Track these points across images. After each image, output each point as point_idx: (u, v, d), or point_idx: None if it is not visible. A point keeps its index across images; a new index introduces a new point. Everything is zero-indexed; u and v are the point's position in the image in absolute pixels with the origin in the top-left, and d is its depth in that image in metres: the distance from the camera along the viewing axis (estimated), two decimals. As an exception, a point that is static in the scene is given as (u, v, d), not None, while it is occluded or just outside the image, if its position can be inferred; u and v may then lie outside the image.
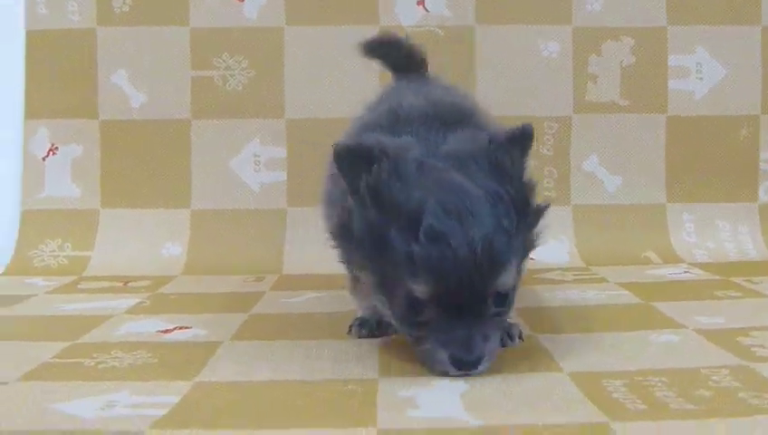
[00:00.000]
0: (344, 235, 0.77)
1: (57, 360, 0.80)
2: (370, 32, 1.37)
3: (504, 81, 1.39)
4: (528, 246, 0.78)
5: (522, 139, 0.77)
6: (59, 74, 1.39)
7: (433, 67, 1.34)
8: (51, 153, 1.39)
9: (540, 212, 0.78)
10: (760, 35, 1.39)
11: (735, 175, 1.41)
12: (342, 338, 0.87)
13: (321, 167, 1.37)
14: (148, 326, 0.94)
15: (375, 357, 0.79)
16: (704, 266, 1.28)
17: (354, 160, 0.74)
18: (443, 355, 0.72)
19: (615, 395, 0.66)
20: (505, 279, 0.72)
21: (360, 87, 1.38)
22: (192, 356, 0.80)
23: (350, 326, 0.89)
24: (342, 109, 1.37)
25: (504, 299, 0.73)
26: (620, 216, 1.39)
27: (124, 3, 1.38)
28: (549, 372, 0.73)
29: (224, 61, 1.38)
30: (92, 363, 0.78)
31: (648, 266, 1.31)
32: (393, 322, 0.77)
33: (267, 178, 1.40)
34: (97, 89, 1.39)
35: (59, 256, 1.35)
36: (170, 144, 1.39)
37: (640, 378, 0.70)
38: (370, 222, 0.73)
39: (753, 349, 0.79)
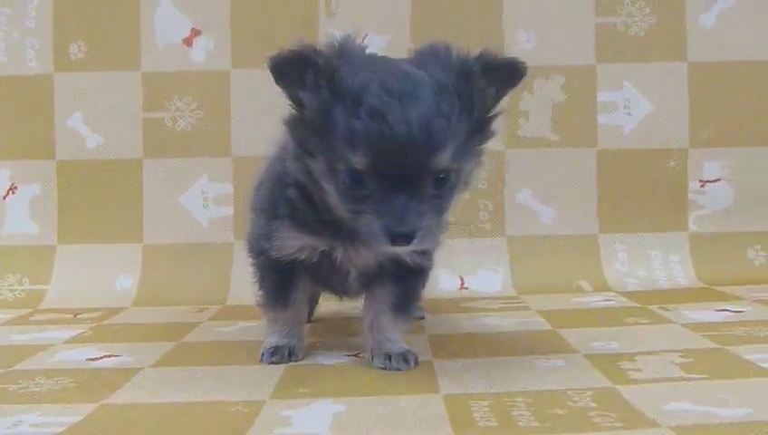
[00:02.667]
0: (295, 127, 0.83)
1: (-16, 388, 0.86)
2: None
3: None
4: (474, 151, 0.83)
5: (505, 69, 0.82)
6: (18, 117, 1.46)
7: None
8: (11, 192, 1.46)
9: (490, 118, 0.83)
10: (686, 71, 1.46)
11: (665, 206, 1.46)
12: (254, 364, 0.93)
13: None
14: (79, 355, 1.00)
15: (274, 381, 0.85)
16: (629, 295, 1.34)
17: (292, 66, 0.79)
18: (377, 226, 0.77)
19: (475, 414, 0.72)
20: (441, 159, 0.76)
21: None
22: (109, 381, 0.86)
23: (262, 353, 0.94)
24: (287, 147, 1.45)
25: (443, 183, 0.79)
26: (554, 246, 1.45)
27: (80, 50, 1.46)
28: (425, 394, 0.78)
29: (174, 103, 1.46)
30: (15, 388, 0.84)
31: (576, 295, 1.36)
32: (335, 204, 0.81)
33: (215, 214, 1.46)
34: (54, 131, 1.46)
35: (16, 289, 1.41)
36: (123, 182, 1.46)
37: (507, 399, 0.76)
38: (319, 106, 0.78)
39: (628, 372, 0.85)
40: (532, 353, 0.94)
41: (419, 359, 0.91)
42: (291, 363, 0.92)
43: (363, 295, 0.98)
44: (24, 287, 1.42)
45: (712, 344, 0.96)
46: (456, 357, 0.94)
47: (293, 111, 0.83)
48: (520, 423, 0.69)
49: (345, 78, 0.77)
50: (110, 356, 0.99)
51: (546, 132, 1.46)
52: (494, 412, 0.72)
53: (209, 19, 1.46)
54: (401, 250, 0.82)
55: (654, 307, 1.21)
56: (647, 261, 1.45)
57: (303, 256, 0.91)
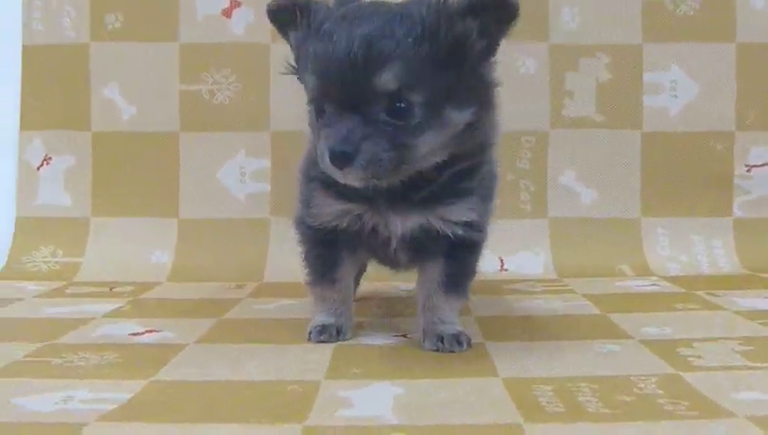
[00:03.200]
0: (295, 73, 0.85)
1: (28, 359, 0.84)
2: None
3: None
4: (462, 87, 0.79)
5: (495, 7, 0.77)
6: (53, 88, 1.44)
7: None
8: (45, 163, 1.44)
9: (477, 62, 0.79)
10: (734, 53, 1.42)
11: (710, 190, 1.43)
12: (301, 342, 0.91)
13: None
14: (121, 329, 0.98)
15: (326, 361, 0.83)
16: (673, 280, 1.31)
17: (284, 12, 0.84)
18: (322, 148, 0.78)
19: (540, 399, 0.70)
20: (383, 78, 0.75)
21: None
22: (155, 357, 0.85)
23: (310, 332, 0.93)
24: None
25: (400, 112, 0.76)
26: (596, 229, 1.42)
27: (116, 19, 1.43)
28: (484, 377, 0.77)
29: (211, 75, 1.43)
30: (60, 362, 0.83)
31: (619, 279, 1.34)
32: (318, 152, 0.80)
33: (252, 189, 1.44)
34: (90, 102, 1.44)
35: (50, 261, 1.40)
36: (159, 155, 1.44)
37: (570, 384, 0.74)
38: (296, 43, 0.83)
39: (689, 359, 0.82)
40: (586, 338, 0.92)
41: (471, 341, 0.89)
42: (339, 343, 0.91)
43: (416, 269, 0.95)
44: (57, 259, 1.40)
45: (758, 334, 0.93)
46: (508, 340, 0.92)
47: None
48: (589, 409, 0.67)
49: (318, 12, 0.81)
50: (151, 331, 0.97)
51: (591, 112, 1.42)
52: (560, 397, 0.70)
53: (250, -10, 1.43)
54: (345, 175, 0.78)
55: (701, 293, 1.19)
56: (689, 246, 1.42)
57: (340, 224, 0.89)
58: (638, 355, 0.84)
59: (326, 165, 0.78)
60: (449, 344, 0.87)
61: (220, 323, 1.02)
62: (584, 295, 1.19)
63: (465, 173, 0.86)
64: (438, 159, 0.82)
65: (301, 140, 1.40)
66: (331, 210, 0.89)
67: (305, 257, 0.96)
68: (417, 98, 0.77)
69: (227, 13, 1.43)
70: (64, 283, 1.34)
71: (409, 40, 0.76)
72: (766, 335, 0.92)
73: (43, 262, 1.40)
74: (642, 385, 0.73)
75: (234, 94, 1.43)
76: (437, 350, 0.87)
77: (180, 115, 1.44)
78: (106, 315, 1.07)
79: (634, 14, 1.42)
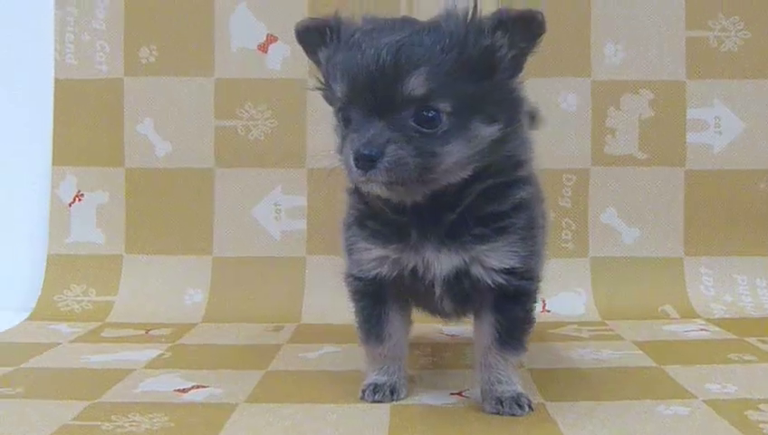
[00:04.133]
0: (323, 92, 0.86)
1: (76, 423, 0.81)
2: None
3: (524, 133, 1.40)
4: (490, 102, 0.79)
5: (523, 23, 0.78)
6: (86, 123, 1.42)
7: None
8: (77, 199, 1.42)
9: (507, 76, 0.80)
10: (774, 92, 1.40)
11: (754, 228, 1.40)
12: (354, 401, 0.89)
13: (340, 214, 1.41)
14: (165, 384, 0.96)
15: (385, 426, 0.81)
16: (720, 323, 1.28)
17: (311, 33, 0.85)
18: (348, 153, 0.77)
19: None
20: (411, 83, 0.75)
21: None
22: (207, 421, 0.82)
23: (363, 391, 0.90)
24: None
25: (428, 120, 0.76)
26: (638, 268, 1.39)
27: (150, 53, 1.41)
28: (556, 451, 0.74)
29: (246, 111, 1.41)
30: (110, 428, 0.80)
31: (665, 322, 1.31)
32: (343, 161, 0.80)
33: (288, 227, 1.42)
34: (123, 137, 1.42)
35: (83, 300, 1.38)
36: (193, 192, 1.41)
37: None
38: (326, 58, 0.83)
39: (761, 426, 0.79)
40: (649, 397, 0.89)
41: (532, 402, 0.86)
42: (394, 403, 0.88)
43: (468, 316, 0.94)
44: (90, 299, 1.38)
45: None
46: (567, 399, 0.89)
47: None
48: (675, 493, 0.64)
49: (348, 27, 0.82)
50: (197, 387, 0.95)
51: (633, 150, 1.40)
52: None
53: (286, 25, 1.37)
54: (369, 180, 0.77)
55: (752, 339, 1.16)
56: (732, 286, 1.39)
57: (381, 271, 0.87)
58: (706, 421, 0.82)
59: (351, 170, 0.77)
60: (509, 408, 0.84)
61: (266, 378, 0.99)
62: (634, 343, 1.16)
63: (495, 193, 0.83)
64: (464, 173, 0.80)
65: (338, 178, 1.40)
66: (369, 256, 0.87)
67: (355, 314, 0.94)
68: (444, 106, 0.77)
69: (263, 48, 1.41)
70: (98, 323, 1.31)
71: (437, 48, 0.76)
72: (833, 396, 0.90)
73: (75, 301, 1.37)
74: (723, 461, 0.71)
75: (269, 130, 1.41)
76: (498, 413, 0.84)
77: (215, 151, 1.41)
78: (147, 366, 1.05)
79: (678, 50, 1.40)
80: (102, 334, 1.25)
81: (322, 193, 1.40)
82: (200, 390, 0.94)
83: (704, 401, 0.87)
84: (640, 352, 1.11)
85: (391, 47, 0.76)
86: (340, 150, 0.82)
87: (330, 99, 0.85)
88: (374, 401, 0.88)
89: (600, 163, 1.40)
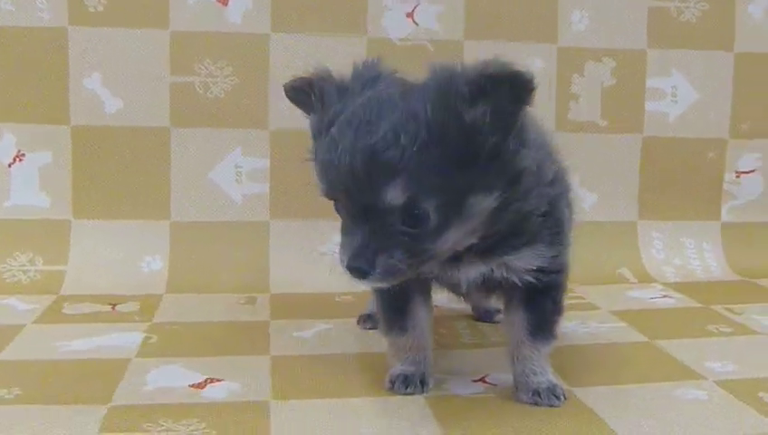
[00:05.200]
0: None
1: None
2: (358, 43, 1.35)
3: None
4: (481, 179, 0.73)
5: (507, 82, 0.70)
6: (26, 76, 1.29)
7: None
8: (17, 159, 1.30)
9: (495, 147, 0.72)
10: (732, 61, 1.45)
11: (702, 195, 1.47)
12: (383, 393, 0.87)
13: (306, 178, 1.36)
14: (175, 378, 0.90)
15: (430, 416, 0.80)
16: (677, 288, 1.35)
17: (299, 92, 0.82)
18: (340, 256, 0.75)
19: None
20: (391, 193, 0.70)
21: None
22: (247, 425, 0.78)
23: (392, 382, 0.88)
24: (327, 120, 1.35)
25: (418, 220, 0.72)
26: (595, 232, 1.43)
27: (99, 2, 1.29)
28: (610, 442, 0.75)
29: (205, 67, 1.32)
30: (148, 440, 0.75)
31: (626, 287, 1.36)
32: None
33: (249, 190, 1.35)
34: (68, 92, 1.30)
35: (30, 270, 1.27)
36: (148, 153, 1.32)
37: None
38: (313, 135, 0.80)
39: (780, 409, 0.84)
40: (663, 380, 0.92)
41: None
42: (426, 395, 0.87)
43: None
44: (38, 268, 1.27)
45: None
46: (588, 384, 0.90)
47: None
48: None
49: (329, 108, 0.77)
50: (211, 381, 0.90)
51: (595, 117, 1.42)
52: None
53: (248, -24, 1.32)
54: (367, 284, 0.78)
55: (718, 308, 1.22)
56: (681, 250, 1.46)
57: None
58: (727, 405, 0.85)
59: (345, 274, 0.75)
60: (547, 399, 0.84)
61: (277, 366, 0.95)
62: (611, 313, 1.19)
63: (518, 221, 0.80)
64: (470, 242, 0.78)
65: (302, 139, 1.34)
66: None
67: (377, 305, 0.92)
68: (430, 203, 0.72)
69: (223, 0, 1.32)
70: (53, 296, 1.22)
71: (415, 148, 0.70)
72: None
73: (22, 271, 1.27)
74: (772, 453, 0.75)
75: (230, 88, 1.33)
76: (536, 404, 0.84)
77: (171, 109, 1.32)
78: (140, 354, 0.98)
79: (640, 19, 1.42)
80: (64, 311, 1.16)
81: (286, 155, 1.35)
82: (216, 384, 0.89)
83: (714, 383, 0.91)
84: (623, 323, 1.14)
85: (365, 155, 0.70)
86: None
87: None
88: (405, 394, 0.87)
89: (564, 129, 1.41)
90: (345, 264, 0.74)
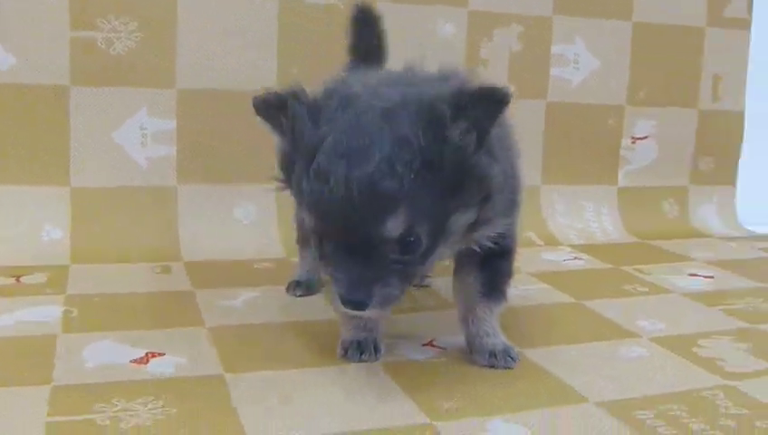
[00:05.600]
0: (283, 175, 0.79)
1: (62, 418, 0.69)
2: (270, 5, 1.30)
3: (399, 58, 1.37)
4: (465, 198, 0.73)
5: (485, 99, 0.70)
6: None
7: (333, 41, 1.31)
8: None
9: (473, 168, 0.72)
10: (630, 31, 1.50)
11: (601, 160, 1.53)
12: (337, 361, 0.85)
13: (215, 140, 1.31)
14: (113, 354, 0.84)
15: (390, 382, 0.80)
16: (583, 249, 1.39)
17: (270, 109, 0.75)
18: (333, 291, 0.73)
19: (660, 430, 0.71)
20: (391, 225, 0.69)
21: (258, 57, 1.31)
22: (207, 400, 0.74)
23: (345, 349, 0.86)
24: (238, 81, 1.30)
25: (409, 247, 0.72)
26: (502, 197, 1.45)
27: (-12, -55, 1.17)
28: (577, 405, 0.77)
29: (108, 22, 1.22)
30: (107, 422, 0.69)
31: (536, 249, 1.39)
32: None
33: (155, 153, 1.28)
34: (-47, 45, 1.17)
35: None
36: (45, 112, 1.21)
37: (662, 407, 0.76)
38: (287, 159, 0.76)
39: (718, 364, 0.88)
40: (603, 339, 0.95)
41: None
42: (383, 361, 0.85)
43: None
44: (-76, 238, 1.16)
45: (743, 324, 1.03)
46: (538, 345, 0.92)
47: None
48: (724, 446, 0.70)
49: (304, 132, 0.72)
50: (153, 355, 0.85)
51: (503, 82, 1.43)
52: (674, 425, 0.72)
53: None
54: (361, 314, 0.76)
55: (628, 269, 1.28)
56: (581, 213, 1.51)
57: None
58: (666, 361, 0.89)
59: (338, 307, 0.74)
60: (503, 361, 0.86)
61: (216, 338, 0.90)
62: (530, 274, 1.22)
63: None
64: (448, 253, 0.81)
65: (212, 99, 1.28)
66: None
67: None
68: (423, 229, 0.72)
69: (127, -52, 1.23)
70: (-57, 267, 1.11)
71: (411, 176, 0.69)
72: (740, 327, 1.02)
73: None
74: (721, 402, 0.78)
75: (134, 45, 1.24)
76: (493, 366, 0.85)
77: (71, 66, 1.22)
78: (66, 329, 0.91)
79: (547, -16, 1.45)
80: (-38, 283, 1.06)
81: (193, 115, 1.28)
82: (159, 359, 0.84)
83: (650, 340, 0.95)
84: (545, 284, 1.18)
85: (362, 186, 0.67)
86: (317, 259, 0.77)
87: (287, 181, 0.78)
88: (360, 361, 0.85)
89: (474, 94, 1.42)
90: (341, 297, 0.71)
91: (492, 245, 0.84)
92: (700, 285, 1.21)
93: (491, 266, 0.87)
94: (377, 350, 0.87)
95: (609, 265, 1.30)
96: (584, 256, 1.36)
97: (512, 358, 0.86)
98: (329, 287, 1.06)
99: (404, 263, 0.72)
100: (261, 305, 1.04)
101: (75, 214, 1.23)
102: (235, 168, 1.31)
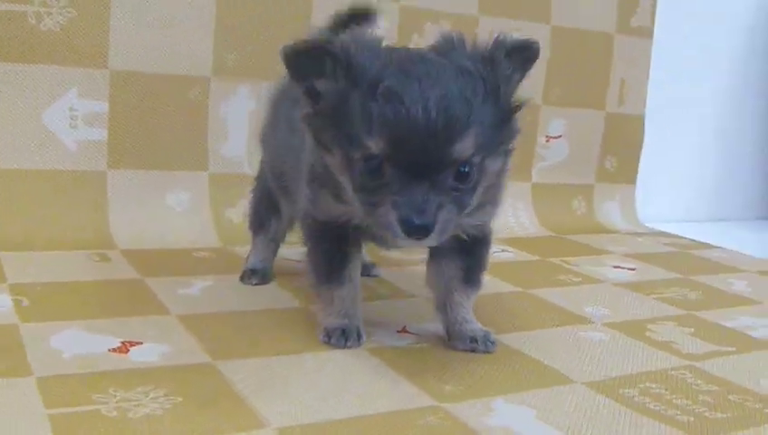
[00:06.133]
0: (311, 121, 0.78)
1: (63, 410, 0.65)
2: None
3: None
4: (502, 149, 0.79)
5: (522, 50, 0.78)
6: None
7: (270, 28, 1.31)
8: None
9: (516, 108, 0.79)
10: (549, 33, 1.57)
11: (517, 157, 1.56)
12: (320, 347, 0.85)
13: (148, 125, 1.26)
14: (87, 344, 0.80)
15: (381, 366, 0.80)
16: (508, 243, 1.44)
17: (310, 53, 0.76)
18: (394, 217, 0.72)
19: (650, 406, 0.76)
20: (462, 146, 0.72)
21: (192, 40, 1.27)
22: (210, 387, 0.72)
23: (329, 336, 0.86)
24: (172, 63, 1.26)
25: (465, 177, 0.75)
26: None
27: None
28: (564, 385, 0.80)
29: (39, -6, 1.16)
30: (114, 413, 0.66)
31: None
32: (353, 202, 0.77)
33: (85, 136, 1.21)
34: None
35: None
36: (-33, 89, 1.13)
37: (642, 386, 0.81)
38: (337, 93, 0.75)
39: (673, 346, 0.94)
40: (561, 324, 0.99)
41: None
42: (370, 347, 0.85)
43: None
44: None
45: (679, 311, 1.09)
46: (505, 331, 0.94)
47: (308, 105, 0.78)
48: (708, 416, 0.75)
49: (362, 63, 0.74)
50: (132, 344, 0.81)
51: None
52: (659, 401, 0.77)
53: None
54: (417, 244, 0.77)
55: (556, 260, 1.33)
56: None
57: (351, 219, 0.84)
58: (626, 344, 0.94)
59: (395, 234, 0.72)
60: (483, 346, 0.88)
61: (190, 325, 0.88)
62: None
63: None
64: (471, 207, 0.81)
65: (146, 83, 1.23)
66: (339, 211, 0.84)
67: (311, 255, 0.89)
68: (476, 159, 0.75)
69: None
70: None
71: (479, 100, 0.73)
72: (678, 314, 1.08)
73: None
74: (692, 380, 0.83)
75: (66, 21, 1.17)
76: (473, 350, 0.87)
77: (-3, 40, 1.14)
78: (23, 318, 0.85)
79: (475, -17, 1.48)
80: None
81: (126, 98, 1.23)
82: (138, 347, 0.80)
83: (603, 325, 1.00)
84: (488, 275, 1.18)
85: (440, 105, 0.70)
86: (360, 200, 0.76)
87: (326, 136, 0.77)
88: (346, 347, 0.85)
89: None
90: (406, 220, 0.71)
91: (476, 233, 0.86)
92: (626, 276, 1.28)
93: (470, 254, 0.89)
94: (359, 336, 0.87)
95: (537, 257, 1.36)
96: (510, 248, 1.41)
97: (491, 342, 0.88)
98: (283, 278, 1.06)
99: (460, 192, 0.74)
100: (220, 294, 1.02)
101: (2, 198, 1.15)
102: (167, 154, 1.26)
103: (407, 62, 0.74)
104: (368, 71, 0.73)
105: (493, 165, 0.78)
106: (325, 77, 0.75)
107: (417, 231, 0.71)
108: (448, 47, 0.77)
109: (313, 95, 0.77)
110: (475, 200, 0.77)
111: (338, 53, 0.74)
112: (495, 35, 0.77)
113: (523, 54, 0.78)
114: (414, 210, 0.71)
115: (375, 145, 0.71)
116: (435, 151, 0.71)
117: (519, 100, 0.79)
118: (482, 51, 0.76)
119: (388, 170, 0.72)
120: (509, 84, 0.78)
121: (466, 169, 0.74)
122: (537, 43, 0.79)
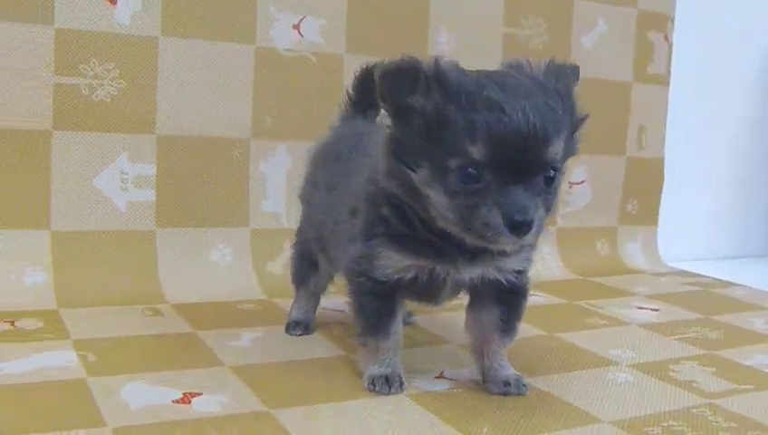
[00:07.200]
0: (395, 142, 0.84)
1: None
2: (246, 50, 1.35)
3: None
4: (569, 150, 0.85)
5: (572, 72, 0.87)
6: None
7: (305, 92, 1.38)
8: None
9: (581, 121, 0.86)
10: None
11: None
12: (364, 394, 0.91)
13: (192, 185, 1.33)
14: (150, 396, 0.87)
15: (425, 413, 0.86)
16: (537, 287, 1.48)
17: (403, 74, 0.81)
18: (496, 215, 0.78)
19: (675, 446, 0.82)
20: (553, 149, 0.79)
21: (233, 106, 1.35)
22: None
23: (373, 384, 0.92)
24: (215, 127, 1.34)
25: (552, 181, 0.82)
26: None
27: (-26, -9, 1.17)
28: (593, 425, 0.85)
29: (91, 68, 1.24)
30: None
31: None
32: (442, 208, 0.82)
33: (135, 198, 1.30)
34: (-64, 88, 1.16)
35: None
36: (27, 157, 1.22)
37: (666, 424, 0.86)
38: (433, 107, 0.79)
39: (694, 385, 0.99)
40: (588, 367, 1.05)
41: (525, 383, 0.97)
42: (412, 393, 0.91)
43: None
44: None
45: (700, 350, 1.15)
46: (535, 374, 1.00)
47: (395, 125, 0.84)
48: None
49: (457, 78, 0.81)
50: (193, 395, 0.87)
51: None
52: (683, 442, 0.83)
53: (137, -24, 1.26)
54: (513, 244, 0.83)
55: (582, 304, 1.39)
56: (524, 253, 1.61)
57: (405, 276, 0.90)
58: (650, 384, 0.99)
59: (496, 231, 0.78)
60: (516, 389, 0.94)
61: (244, 375, 0.94)
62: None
63: None
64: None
65: (190, 146, 1.31)
66: (399, 264, 0.90)
67: (360, 311, 0.95)
68: (560, 165, 0.83)
69: (112, -1, 1.26)
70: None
71: (561, 111, 0.81)
72: (699, 353, 1.13)
73: None
74: (712, 418, 0.89)
75: (116, 91, 1.26)
76: (507, 394, 0.93)
77: (54, 111, 1.23)
78: (91, 372, 0.92)
79: (496, 44, 1.56)
80: (-43, 331, 1.05)
81: (173, 161, 1.31)
82: (199, 398, 0.87)
83: (628, 367, 1.06)
84: (516, 320, 1.27)
85: (536, 112, 0.77)
86: (457, 205, 0.81)
87: (411, 153, 0.83)
88: (389, 394, 0.91)
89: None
90: (510, 217, 0.77)
91: (513, 278, 0.93)
92: (650, 317, 1.33)
93: (508, 304, 0.96)
94: (401, 383, 0.93)
95: (565, 301, 1.42)
96: (539, 292, 1.46)
97: (524, 386, 0.94)
98: (324, 328, 1.13)
99: (547, 193, 0.81)
100: (268, 344, 1.08)
101: (57, 258, 1.23)
102: (211, 211, 1.34)
103: (496, 77, 0.81)
104: (463, 85, 0.79)
105: (560, 178, 0.85)
106: (419, 93, 0.81)
107: (520, 227, 0.78)
108: (521, 67, 0.85)
109: (403, 113, 0.82)
110: (551, 205, 0.84)
111: (431, 70, 0.81)
112: (548, 59, 0.85)
113: (575, 73, 0.87)
114: (516, 209, 0.78)
115: (477, 151, 0.78)
116: (532, 155, 0.78)
117: (581, 114, 0.86)
118: (551, 68, 0.85)
119: (488, 174, 0.79)
120: (574, 102, 0.85)
121: (553, 174, 0.81)
122: (578, 66, 0.88)
